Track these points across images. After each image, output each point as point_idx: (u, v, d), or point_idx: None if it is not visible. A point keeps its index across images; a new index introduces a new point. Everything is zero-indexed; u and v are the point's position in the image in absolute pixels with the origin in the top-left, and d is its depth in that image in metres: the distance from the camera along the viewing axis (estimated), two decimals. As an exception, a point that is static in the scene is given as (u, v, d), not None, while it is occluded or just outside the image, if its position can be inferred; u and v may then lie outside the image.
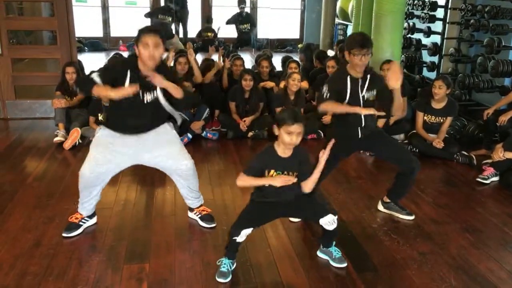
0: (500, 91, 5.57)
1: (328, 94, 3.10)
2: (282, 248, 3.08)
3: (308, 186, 2.72)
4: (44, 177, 4.20)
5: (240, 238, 2.66)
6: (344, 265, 2.87)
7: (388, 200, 3.57)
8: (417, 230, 3.36)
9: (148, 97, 2.94)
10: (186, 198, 3.37)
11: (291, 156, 2.66)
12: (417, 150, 4.82)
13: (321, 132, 5.37)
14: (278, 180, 2.59)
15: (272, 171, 2.63)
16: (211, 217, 3.37)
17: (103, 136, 3.05)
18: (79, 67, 5.71)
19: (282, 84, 5.53)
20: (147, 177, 4.11)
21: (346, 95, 3.13)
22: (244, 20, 10.65)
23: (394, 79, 2.98)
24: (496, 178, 4.22)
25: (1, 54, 5.85)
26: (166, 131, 3.15)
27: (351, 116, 3.15)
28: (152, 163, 3.14)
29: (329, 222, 2.75)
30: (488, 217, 3.60)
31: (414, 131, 4.95)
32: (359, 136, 3.27)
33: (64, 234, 3.14)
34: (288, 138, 2.55)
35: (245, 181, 2.66)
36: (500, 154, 4.10)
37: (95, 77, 2.83)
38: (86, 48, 11.23)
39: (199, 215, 3.37)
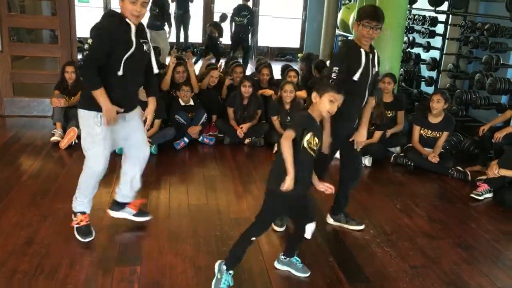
0: (496, 109, 5.61)
1: (337, 75, 2.94)
2: (274, 256, 3.06)
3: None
4: (39, 175, 4.19)
5: (258, 236, 2.71)
6: (308, 274, 2.86)
7: (334, 215, 3.55)
8: (410, 243, 3.37)
9: (145, 47, 2.96)
10: (127, 189, 3.28)
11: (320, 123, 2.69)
12: (413, 164, 4.84)
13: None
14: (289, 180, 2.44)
15: (309, 135, 2.51)
16: (144, 212, 3.42)
17: (103, 129, 2.93)
18: (79, 67, 5.70)
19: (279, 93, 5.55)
20: (141, 180, 4.09)
21: (358, 69, 3.02)
22: (241, 10, 9.49)
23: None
24: (490, 195, 4.24)
25: (1, 51, 5.84)
26: (139, 115, 3.18)
27: (358, 98, 3.16)
28: (125, 136, 3.11)
29: (312, 230, 2.73)
30: (481, 233, 3.61)
31: (410, 144, 4.97)
32: (355, 125, 3.28)
33: (85, 240, 3.08)
34: (329, 106, 2.55)
35: (288, 145, 2.43)
36: (494, 171, 4.12)
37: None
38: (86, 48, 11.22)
39: (134, 212, 3.33)
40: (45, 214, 3.44)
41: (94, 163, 2.99)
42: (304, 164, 2.53)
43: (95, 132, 2.92)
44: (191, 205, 3.75)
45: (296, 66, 7.85)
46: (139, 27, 2.91)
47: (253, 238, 2.67)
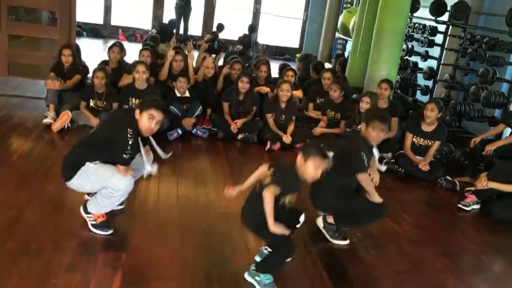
0: (489, 122, 5.65)
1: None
2: (260, 252, 3.07)
3: None
4: (29, 156, 4.16)
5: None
6: None
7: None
8: (396, 248, 3.39)
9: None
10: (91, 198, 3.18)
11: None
12: (403, 170, 4.87)
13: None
14: (276, 229, 2.56)
15: (291, 195, 2.69)
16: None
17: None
18: (76, 50, 5.67)
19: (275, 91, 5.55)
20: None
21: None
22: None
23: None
24: (477, 206, 4.28)
25: (-1, 29, 5.79)
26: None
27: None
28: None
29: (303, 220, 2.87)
30: (466, 243, 3.64)
31: (402, 151, 5.00)
32: None
33: (107, 232, 3.03)
34: (313, 171, 2.60)
35: (270, 200, 2.56)
36: (483, 183, 4.15)
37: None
38: (84, 33, 11.15)
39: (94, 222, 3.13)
40: (33, 195, 3.42)
41: (125, 183, 2.97)
42: (278, 214, 2.61)
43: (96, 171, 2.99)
44: (180, 197, 3.74)
45: (294, 65, 7.86)
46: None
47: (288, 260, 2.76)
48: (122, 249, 2.89)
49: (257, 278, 2.71)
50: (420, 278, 3.04)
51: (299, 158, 2.63)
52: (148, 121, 2.91)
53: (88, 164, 2.95)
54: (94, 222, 3.04)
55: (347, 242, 3.34)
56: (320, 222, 3.43)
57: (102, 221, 3.05)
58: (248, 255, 3.00)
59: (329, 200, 3.21)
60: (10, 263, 2.61)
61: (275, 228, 2.54)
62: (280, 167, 2.75)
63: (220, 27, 11.23)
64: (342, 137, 3.45)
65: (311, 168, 2.58)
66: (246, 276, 2.76)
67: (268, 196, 2.55)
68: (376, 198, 3.16)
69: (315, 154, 2.59)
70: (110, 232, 3.03)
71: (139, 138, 2.99)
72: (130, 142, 2.85)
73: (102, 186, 2.94)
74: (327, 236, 3.35)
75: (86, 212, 3.05)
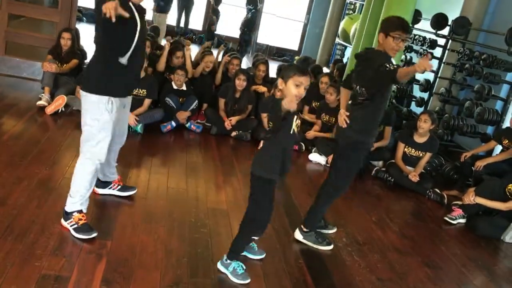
0: (481, 138, 5.70)
1: (394, 65, 2.93)
2: (246, 249, 3.08)
3: None
4: (20, 137, 4.14)
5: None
6: (247, 281, 2.73)
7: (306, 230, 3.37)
8: (380, 256, 3.41)
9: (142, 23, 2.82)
10: (108, 170, 3.28)
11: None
12: (393, 180, 4.90)
13: (303, 144, 5.40)
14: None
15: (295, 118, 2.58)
16: (128, 186, 3.47)
17: (111, 116, 2.80)
18: (75, 35, 5.64)
19: (272, 91, 5.56)
20: (123, 158, 4.05)
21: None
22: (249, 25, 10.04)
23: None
24: (463, 220, 4.31)
25: (-1, 7, 5.75)
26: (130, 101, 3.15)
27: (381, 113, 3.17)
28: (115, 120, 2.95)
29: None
30: (449, 256, 3.67)
31: (393, 160, 5.03)
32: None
33: (90, 235, 2.81)
34: (296, 90, 2.50)
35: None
36: (471, 198, 4.19)
37: None
38: (84, 18, 11.07)
39: (119, 187, 3.39)
40: (21, 177, 3.40)
41: (100, 155, 2.81)
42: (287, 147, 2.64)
43: (104, 119, 2.75)
44: (169, 189, 3.74)
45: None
46: (139, 6, 2.81)
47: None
48: (108, 237, 2.89)
49: (230, 268, 2.74)
50: (402, 286, 3.07)
51: (280, 83, 2.54)
52: None
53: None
54: (75, 226, 2.82)
55: (331, 247, 3.35)
56: (298, 235, 3.35)
57: (83, 223, 2.83)
58: (233, 252, 3.01)
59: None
60: (-6, 243, 2.59)
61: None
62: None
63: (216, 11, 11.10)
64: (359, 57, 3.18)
65: (292, 88, 2.50)
66: (219, 266, 2.79)
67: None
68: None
69: (294, 72, 2.50)
70: (93, 235, 2.81)
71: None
72: None
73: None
74: (311, 245, 3.32)
75: (66, 217, 2.86)
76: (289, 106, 2.49)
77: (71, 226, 2.84)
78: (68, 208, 2.87)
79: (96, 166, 2.86)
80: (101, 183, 3.33)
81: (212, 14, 10.73)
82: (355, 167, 3.23)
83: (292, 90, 2.50)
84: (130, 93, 3.08)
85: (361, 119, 3.14)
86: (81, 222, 2.84)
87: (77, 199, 2.85)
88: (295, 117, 2.56)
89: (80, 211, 2.87)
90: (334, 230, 3.56)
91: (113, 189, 3.38)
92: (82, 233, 2.82)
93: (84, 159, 2.83)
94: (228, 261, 2.76)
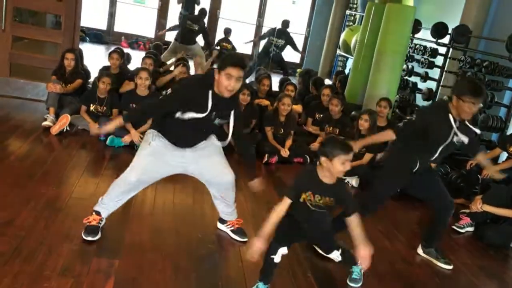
0: (486, 145, 5.69)
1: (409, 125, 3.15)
2: (254, 264, 3.06)
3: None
4: (26, 158, 4.16)
5: (277, 258, 2.66)
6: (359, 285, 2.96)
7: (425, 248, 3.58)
8: (388, 267, 3.39)
9: (218, 120, 2.97)
10: (220, 210, 3.35)
11: (334, 184, 2.63)
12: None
13: (308, 157, 5.40)
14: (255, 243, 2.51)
15: (309, 193, 2.59)
16: (243, 231, 3.35)
17: (157, 146, 2.98)
18: (79, 55, 5.70)
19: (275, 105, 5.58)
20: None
21: (437, 132, 3.09)
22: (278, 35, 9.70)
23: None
24: (471, 229, 4.29)
25: (3, 30, 5.81)
26: (213, 141, 3.16)
27: (426, 154, 3.19)
28: (196, 173, 3.14)
29: (336, 257, 2.84)
30: (458, 265, 3.64)
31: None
32: (415, 169, 3.25)
33: (88, 238, 2.97)
34: (342, 168, 2.54)
35: (276, 212, 2.56)
36: (478, 205, 4.17)
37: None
38: (87, 38, 11.21)
39: (232, 228, 3.36)
40: (28, 198, 3.41)
41: (129, 172, 2.97)
42: (304, 218, 2.64)
43: (145, 146, 3.01)
44: (176, 204, 3.75)
45: (294, 80, 7.90)
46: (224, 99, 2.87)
47: (272, 256, 2.68)
48: (116, 255, 2.89)
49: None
50: (411, 298, 3.05)
51: (324, 160, 2.56)
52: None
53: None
54: (87, 225, 3.02)
55: (451, 267, 3.49)
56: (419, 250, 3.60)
57: (93, 225, 3.01)
58: (242, 267, 3.00)
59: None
60: (1, 266, 2.59)
61: (254, 243, 2.50)
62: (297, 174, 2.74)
63: (227, 31, 11.16)
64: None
65: (338, 166, 2.54)
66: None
67: (277, 206, 2.57)
68: None
69: (339, 151, 2.54)
70: (94, 238, 2.97)
71: None
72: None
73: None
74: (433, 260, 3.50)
75: (94, 211, 3.09)
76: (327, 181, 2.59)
77: (86, 222, 3.06)
78: (95, 206, 3.11)
79: (124, 182, 3.00)
80: (221, 219, 3.43)
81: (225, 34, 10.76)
82: None
83: (339, 168, 2.54)
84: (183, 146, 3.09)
85: None
86: (93, 222, 3.05)
87: (103, 203, 3.09)
88: (308, 193, 2.60)
89: (98, 213, 3.07)
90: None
91: (228, 228, 3.40)
92: (85, 233, 3.00)
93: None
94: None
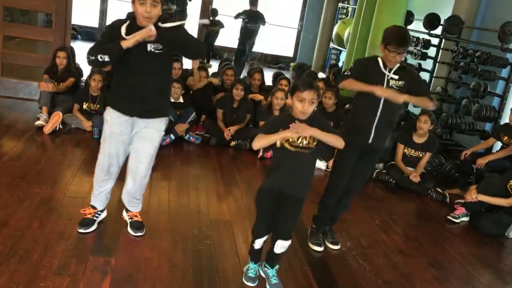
0: (480, 135, 5.71)
1: (350, 73, 3.07)
2: (250, 259, 3.08)
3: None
4: (19, 158, 4.14)
5: (257, 245, 2.74)
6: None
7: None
8: (385, 259, 3.40)
9: (151, 46, 2.77)
10: (125, 197, 3.20)
11: (308, 121, 2.56)
12: (394, 181, 4.89)
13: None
14: (294, 128, 2.47)
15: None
16: (140, 225, 3.19)
17: (113, 123, 2.91)
18: (71, 53, 5.66)
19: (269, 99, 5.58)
20: (125, 173, 4.07)
21: (371, 76, 3.02)
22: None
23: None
24: (466, 219, 4.31)
25: (-7, 30, 5.77)
26: (158, 125, 2.99)
27: (367, 113, 3.10)
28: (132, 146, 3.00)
29: (281, 246, 2.73)
30: (454, 255, 3.66)
31: (393, 162, 5.03)
32: (370, 140, 3.13)
33: (80, 230, 3.03)
34: (300, 105, 2.51)
35: (261, 140, 2.56)
36: (473, 195, 4.19)
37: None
38: (79, 36, 11.14)
39: (130, 220, 3.21)
40: (22, 197, 3.40)
41: (100, 156, 2.99)
42: (284, 161, 2.60)
43: (105, 127, 2.99)
44: (171, 202, 3.74)
45: (288, 74, 7.90)
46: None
47: (253, 245, 2.75)
48: (112, 254, 2.88)
49: (267, 276, 2.86)
50: (408, 288, 3.06)
51: (289, 99, 2.59)
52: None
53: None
54: (83, 217, 3.12)
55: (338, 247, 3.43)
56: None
57: (87, 218, 3.11)
58: (238, 262, 3.00)
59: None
60: (-3, 265, 2.59)
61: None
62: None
63: (214, 11, 11.09)
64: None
65: (297, 104, 2.52)
66: (259, 270, 2.91)
67: (255, 142, 2.58)
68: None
69: (296, 88, 2.53)
70: (86, 230, 3.05)
71: None
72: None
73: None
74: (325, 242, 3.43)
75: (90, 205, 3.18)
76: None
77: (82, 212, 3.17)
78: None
79: (99, 166, 3.02)
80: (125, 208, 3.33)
81: (212, 26, 10.74)
82: None
83: (297, 106, 2.53)
84: (133, 114, 2.95)
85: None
86: (87, 215, 3.14)
87: (93, 192, 3.15)
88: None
89: (93, 207, 3.16)
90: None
91: (128, 219, 3.29)
92: (80, 225, 3.08)
93: None
94: (267, 269, 2.86)
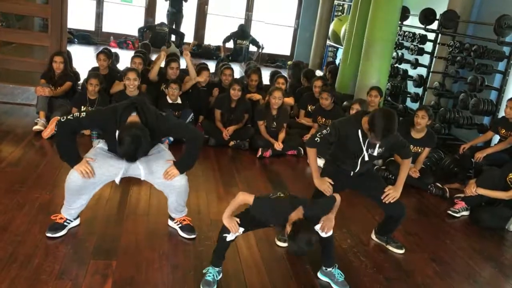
0: (478, 129, 5.71)
1: (320, 138, 3.11)
2: (251, 259, 3.08)
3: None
4: (18, 164, 4.14)
5: (231, 236, 2.67)
6: None
7: (378, 235, 3.59)
8: (386, 255, 3.40)
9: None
10: (170, 209, 3.28)
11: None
12: (393, 177, 4.89)
13: (301, 149, 5.41)
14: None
15: None
16: (192, 228, 3.29)
17: (102, 149, 3.03)
18: (67, 57, 5.66)
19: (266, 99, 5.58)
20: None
21: (349, 145, 3.12)
22: (244, 36, 10.55)
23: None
24: (466, 213, 4.31)
25: (-11, 35, 5.77)
26: (159, 146, 3.15)
27: (348, 159, 3.20)
28: (146, 177, 3.09)
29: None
30: (455, 249, 3.66)
31: (392, 158, 5.02)
32: (352, 174, 3.26)
33: (48, 234, 2.99)
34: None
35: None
36: (472, 189, 4.19)
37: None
38: (76, 40, 11.12)
39: (180, 225, 3.30)
40: (22, 203, 3.40)
41: (71, 171, 2.94)
42: None
43: (91, 150, 3.08)
44: (171, 203, 3.74)
45: (285, 73, 7.89)
46: None
47: (225, 235, 2.69)
48: (113, 256, 2.88)
49: (331, 275, 2.93)
50: (409, 284, 3.07)
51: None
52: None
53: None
54: (53, 222, 3.08)
55: (402, 251, 3.48)
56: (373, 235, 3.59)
57: (57, 223, 3.06)
58: (239, 261, 3.00)
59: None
60: (-1, 271, 2.59)
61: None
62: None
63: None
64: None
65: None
66: (320, 275, 2.98)
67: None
68: None
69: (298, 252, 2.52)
70: (54, 235, 3.00)
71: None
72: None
73: None
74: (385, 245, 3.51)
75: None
76: None
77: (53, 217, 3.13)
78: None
79: (72, 185, 2.97)
80: (170, 216, 3.38)
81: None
82: None
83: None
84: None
85: None
86: (59, 220, 3.11)
87: (64, 205, 3.10)
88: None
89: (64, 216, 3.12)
90: None
91: (177, 225, 3.32)
92: (49, 230, 3.05)
93: None
94: (330, 270, 2.93)
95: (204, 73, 5.80)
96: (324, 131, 3.13)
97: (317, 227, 2.76)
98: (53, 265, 2.71)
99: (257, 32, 12.12)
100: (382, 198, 3.21)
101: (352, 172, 3.27)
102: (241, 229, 2.69)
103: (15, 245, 2.85)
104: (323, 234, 2.78)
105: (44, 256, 2.79)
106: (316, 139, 3.14)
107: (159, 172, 3.04)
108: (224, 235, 2.68)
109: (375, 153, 3.19)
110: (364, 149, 3.13)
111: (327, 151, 3.39)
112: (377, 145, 3.14)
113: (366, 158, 3.17)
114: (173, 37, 10.75)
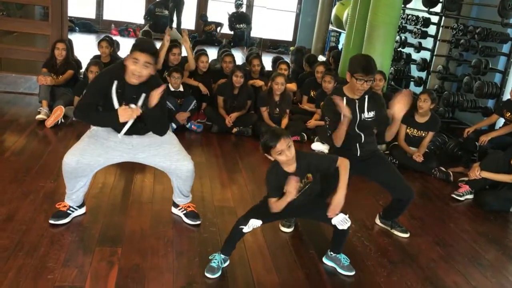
0: (482, 112, 5.68)
1: (329, 122, 3.12)
2: (256, 245, 3.09)
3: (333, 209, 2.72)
4: (22, 153, 4.15)
5: (247, 228, 2.66)
6: (353, 273, 2.88)
7: (383, 219, 3.58)
8: (390, 239, 3.41)
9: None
10: (175, 195, 3.29)
11: (297, 168, 2.61)
12: (397, 162, 4.89)
13: (304, 134, 5.40)
14: (291, 190, 2.49)
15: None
16: (196, 214, 3.30)
17: (98, 129, 2.99)
18: (69, 45, 5.64)
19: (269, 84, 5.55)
20: (128, 163, 4.07)
21: (341, 116, 3.06)
22: (240, 19, 10.46)
23: (399, 108, 2.94)
24: (470, 196, 4.31)
25: (-10, 25, 5.75)
26: (159, 139, 3.10)
27: (351, 135, 3.14)
28: (149, 161, 3.10)
29: (341, 221, 2.78)
30: (459, 233, 3.67)
31: (396, 142, 5.02)
32: (358, 154, 3.21)
33: (51, 221, 3.00)
34: (282, 157, 2.52)
35: (276, 207, 2.60)
36: (476, 172, 4.18)
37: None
38: (77, 28, 11.09)
39: (184, 212, 3.30)
40: (27, 192, 3.42)
41: (68, 153, 2.92)
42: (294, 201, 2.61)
43: (87, 132, 3.05)
44: (175, 191, 3.75)
45: (287, 58, 7.85)
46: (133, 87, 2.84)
47: (242, 227, 2.67)
48: (118, 243, 2.90)
49: (336, 260, 2.93)
50: (414, 267, 3.07)
51: (269, 157, 2.60)
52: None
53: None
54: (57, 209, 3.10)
55: (407, 235, 3.48)
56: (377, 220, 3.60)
57: (61, 211, 3.07)
58: (244, 248, 3.01)
59: None
60: (4, 260, 2.61)
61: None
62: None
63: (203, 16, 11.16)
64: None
65: (278, 158, 2.54)
66: (325, 260, 2.97)
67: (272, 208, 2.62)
68: None
69: (269, 145, 2.52)
70: (57, 222, 3.01)
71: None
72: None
73: None
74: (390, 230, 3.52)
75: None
76: None
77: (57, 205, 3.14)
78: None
79: (68, 168, 2.93)
80: (173, 203, 3.39)
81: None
82: None
83: (280, 159, 2.57)
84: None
85: None
86: (62, 208, 3.11)
87: (66, 191, 3.10)
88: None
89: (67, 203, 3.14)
90: None
91: (181, 212, 3.33)
92: (53, 217, 3.06)
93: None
94: (336, 255, 2.94)
95: (202, 58, 5.76)
96: (327, 123, 3.15)
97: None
98: (59, 253, 2.73)
99: (258, 18, 12.04)
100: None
101: (358, 151, 3.21)
102: (259, 222, 2.68)
103: (21, 234, 2.87)
104: (336, 223, 2.77)
105: (50, 244, 2.81)
106: (328, 135, 3.17)
107: (166, 158, 3.06)
108: (241, 227, 2.66)
109: (368, 116, 3.15)
110: (357, 112, 3.11)
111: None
112: (366, 107, 3.13)
113: (363, 118, 3.13)
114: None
